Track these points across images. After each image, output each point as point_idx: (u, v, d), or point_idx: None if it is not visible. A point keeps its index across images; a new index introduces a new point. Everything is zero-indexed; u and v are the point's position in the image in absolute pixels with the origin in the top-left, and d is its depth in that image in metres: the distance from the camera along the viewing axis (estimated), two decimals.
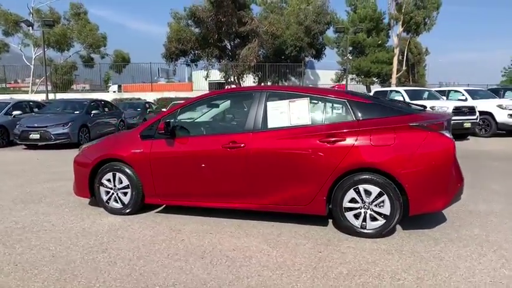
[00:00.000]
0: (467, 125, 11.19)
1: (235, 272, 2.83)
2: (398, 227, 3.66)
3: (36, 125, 10.13)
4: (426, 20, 31.55)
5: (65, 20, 28.20)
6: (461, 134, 11.23)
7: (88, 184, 4.28)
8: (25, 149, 10.48)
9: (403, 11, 31.58)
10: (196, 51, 27.59)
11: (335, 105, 3.71)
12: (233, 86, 27.54)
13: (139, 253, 3.18)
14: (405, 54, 35.95)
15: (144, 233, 3.68)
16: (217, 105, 4.48)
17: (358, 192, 3.43)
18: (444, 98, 13.31)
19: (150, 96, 23.62)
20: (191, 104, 4.16)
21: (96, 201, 4.45)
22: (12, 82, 36.54)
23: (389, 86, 29.29)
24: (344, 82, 30.32)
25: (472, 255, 3.10)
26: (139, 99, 21.89)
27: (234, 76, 26.66)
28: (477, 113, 11.67)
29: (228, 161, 3.71)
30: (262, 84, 28.73)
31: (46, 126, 9.99)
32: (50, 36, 24.98)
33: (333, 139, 3.44)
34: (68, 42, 27.03)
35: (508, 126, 12.00)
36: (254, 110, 3.76)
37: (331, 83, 34.95)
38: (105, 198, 4.24)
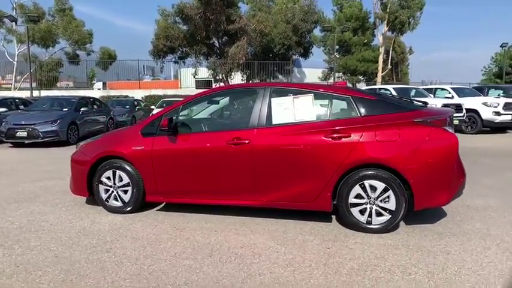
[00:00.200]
0: (455, 122, 11.42)
1: (246, 269, 2.80)
2: (401, 222, 3.69)
3: (23, 123, 9.83)
4: (410, 20, 32.08)
5: (49, 16, 27.46)
6: None
7: (86, 182, 4.17)
8: (11, 147, 10.17)
9: (388, 10, 32.03)
10: (184, 49, 27.33)
11: (339, 101, 3.72)
12: (221, 83, 27.42)
13: (145, 252, 3.11)
14: (390, 53, 36.48)
15: (147, 231, 3.61)
16: (220, 102, 4.42)
17: (363, 188, 3.44)
18: (432, 95, 13.55)
19: (137, 94, 23.26)
20: (193, 100, 4.09)
21: (93, 199, 4.36)
22: None
23: (375, 84, 29.66)
24: (331, 80, 30.56)
25: (477, 249, 3.15)
26: (126, 96, 21.54)
27: (222, 74, 26.51)
28: (464, 111, 11.94)
29: (233, 157, 3.67)
30: (250, 81, 28.70)
31: (34, 124, 9.70)
32: (34, 32, 24.29)
33: (339, 135, 3.45)
34: (53, 39, 26.31)
35: (492, 123, 12.32)
36: (258, 107, 3.72)
37: (318, 81, 35.16)
38: (104, 196, 4.15)
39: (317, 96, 3.72)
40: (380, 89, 13.74)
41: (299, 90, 3.76)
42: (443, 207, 4.08)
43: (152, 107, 17.48)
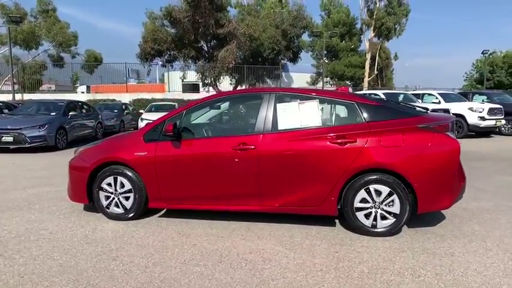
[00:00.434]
0: None
1: (259, 275, 2.79)
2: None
3: (9, 127, 9.54)
4: (396, 26, 32.81)
5: (31, 17, 26.84)
6: None
7: (86, 189, 4.09)
8: None
9: (374, 17, 32.69)
10: (172, 52, 27.14)
11: (344, 107, 3.77)
12: (210, 88, 27.34)
13: (153, 260, 3.07)
14: (376, 58, 37.18)
15: (152, 238, 3.56)
16: (224, 107, 4.41)
17: (368, 192, 3.49)
18: (420, 100, 13.86)
19: (124, 98, 22.94)
20: (197, 105, 4.07)
21: (91, 206, 4.29)
22: None
23: (361, 90, 30.15)
24: (319, 85, 30.89)
25: (479, 250, 3.24)
26: (114, 100, 21.21)
27: (211, 78, 26.43)
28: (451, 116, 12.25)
29: (239, 163, 3.67)
30: (239, 86, 28.70)
31: (20, 129, 9.43)
32: (17, 34, 23.69)
33: (344, 140, 3.49)
34: (36, 41, 25.71)
35: (478, 127, 12.68)
36: (264, 112, 3.74)
37: (307, 85, 35.47)
38: (105, 203, 4.07)
39: (322, 102, 3.76)
40: (370, 94, 13.97)
41: (304, 96, 3.80)
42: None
43: (141, 111, 17.25)
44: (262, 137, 3.66)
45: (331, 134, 3.55)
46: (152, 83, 41.52)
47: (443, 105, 12.93)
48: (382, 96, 13.19)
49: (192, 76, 27.43)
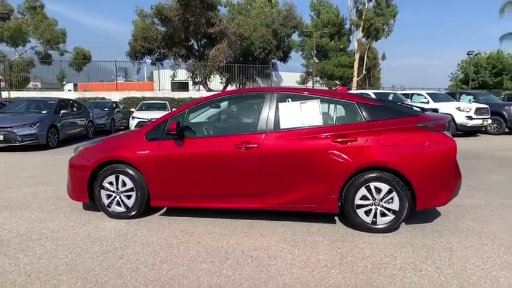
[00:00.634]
0: None
1: (266, 271, 2.85)
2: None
3: None
4: (384, 27, 33.25)
5: (18, 14, 26.28)
6: None
7: (87, 187, 4.08)
8: None
9: (363, 17, 33.06)
10: (163, 50, 26.97)
11: (345, 107, 3.85)
12: (201, 86, 27.25)
13: (159, 257, 3.10)
14: (364, 58, 37.62)
15: (155, 236, 3.58)
16: (227, 106, 4.45)
17: (369, 190, 3.58)
18: (409, 100, 14.12)
19: (114, 96, 22.68)
20: (199, 104, 4.10)
21: (90, 205, 4.29)
22: None
23: (350, 89, 30.46)
24: (309, 84, 31.10)
25: (475, 245, 3.36)
26: (103, 98, 20.96)
27: (202, 76, 26.36)
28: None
29: (242, 161, 3.71)
30: (230, 85, 28.68)
31: (11, 127, 9.26)
32: (3, 31, 23.15)
33: (346, 139, 3.57)
34: (23, 38, 25.18)
35: (465, 127, 12.99)
36: (266, 111, 3.79)
37: (296, 84, 35.67)
38: (106, 202, 4.07)
39: (323, 102, 3.84)
40: (361, 93, 14.15)
41: (306, 96, 3.86)
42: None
43: (132, 109, 17.10)
44: (265, 136, 3.71)
45: (333, 133, 3.62)
46: (140, 81, 41.15)
47: (432, 105, 13.19)
48: (373, 96, 13.40)
49: (182, 75, 27.30)
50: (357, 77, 35.76)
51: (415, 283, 2.66)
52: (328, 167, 3.59)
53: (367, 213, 3.63)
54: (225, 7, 32.03)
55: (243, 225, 3.89)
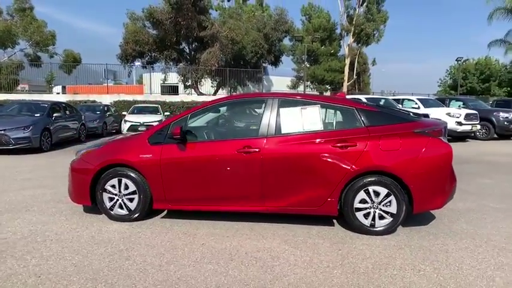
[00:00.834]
0: None
1: (270, 271, 2.93)
2: None
3: None
4: (375, 32, 33.81)
5: (8, 15, 25.95)
6: None
7: (89, 190, 4.11)
8: None
9: (354, 23, 33.56)
10: (154, 54, 26.90)
11: (344, 112, 3.97)
12: (192, 90, 27.24)
13: (165, 259, 3.15)
14: (355, 64, 38.16)
15: (159, 238, 3.63)
16: (228, 111, 4.53)
17: (368, 193, 3.70)
18: (400, 105, 14.39)
19: (105, 99, 22.49)
20: (201, 109, 4.18)
21: (91, 208, 4.33)
22: None
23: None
24: (300, 88, 31.37)
25: (470, 247, 3.50)
26: (94, 101, 20.79)
27: (193, 80, 26.37)
28: None
29: (243, 165, 3.80)
30: (221, 89, 28.74)
31: (4, 130, 9.16)
32: None
33: (345, 144, 3.69)
34: (12, 39, 24.85)
35: (455, 132, 13.28)
36: (267, 116, 3.89)
37: (287, 89, 35.94)
38: (108, 205, 4.10)
39: (323, 107, 3.95)
40: (353, 98, 14.37)
41: (307, 101, 3.97)
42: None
43: (124, 113, 17.01)
44: (266, 141, 3.81)
45: (333, 138, 3.74)
46: (129, 84, 40.85)
47: (423, 110, 13.47)
48: (365, 101, 13.63)
49: (172, 78, 27.24)
50: (347, 82, 36.23)
51: (414, 283, 2.78)
52: (328, 171, 3.70)
53: (366, 216, 3.74)
54: (216, 11, 32.17)
55: (244, 227, 3.97)
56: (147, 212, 4.12)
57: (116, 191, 4.08)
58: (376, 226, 3.74)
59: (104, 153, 4.23)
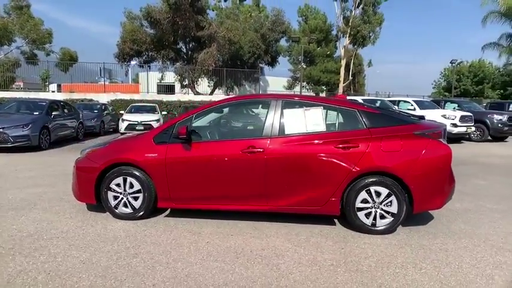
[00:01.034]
0: None
1: (276, 269, 3.00)
2: None
3: None
4: (371, 34, 33.99)
5: (4, 13, 25.76)
6: None
7: (94, 189, 4.15)
8: None
9: (350, 24, 33.72)
10: (151, 53, 26.86)
11: (347, 114, 4.05)
12: (189, 89, 27.24)
13: (172, 256, 3.21)
14: (351, 65, 38.35)
15: (164, 237, 3.69)
16: (232, 112, 4.59)
17: (369, 194, 3.79)
18: (396, 107, 14.54)
19: (102, 98, 22.41)
20: (206, 110, 4.23)
21: (95, 206, 4.37)
22: None
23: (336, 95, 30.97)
24: (296, 89, 31.47)
25: (469, 246, 3.60)
26: (91, 100, 20.72)
27: (190, 79, 26.36)
28: None
29: (247, 165, 3.86)
30: (217, 89, 28.76)
31: (3, 128, 9.13)
32: None
33: (348, 145, 3.77)
34: (9, 37, 24.66)
35: (450, 134, 13.43)
36: (271, 117, 3.96)
37: (284, 89, 36.03)
38: (113, 203, 4.15)
39: (326, 109, 4.03)
40: (349, 100, 14.50)
41: (310, 103, 4.05)
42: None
43: (121, 111, 16.98)
44: (270, 141, 3.88)
45: (336, 139, 3.81)
46: (125, 83, 40.70)
47: (418, 112, 13.62)
48: (361, 102, 13.76)
49: (169, 77, 27.19)
50: (343, 83, 36.39)
51: (416, 280, 2.87)
52: (331, 171, 3.78)
53: (367, 215, 3.83)
54: (213, 11, 32.19)
55: (247, 226, 4.03)
56: (151, 210, 4.16)
57: (120, 190, 4.12)
58: (377, 225, 3.82)
59: (109, 152, 4.27)
